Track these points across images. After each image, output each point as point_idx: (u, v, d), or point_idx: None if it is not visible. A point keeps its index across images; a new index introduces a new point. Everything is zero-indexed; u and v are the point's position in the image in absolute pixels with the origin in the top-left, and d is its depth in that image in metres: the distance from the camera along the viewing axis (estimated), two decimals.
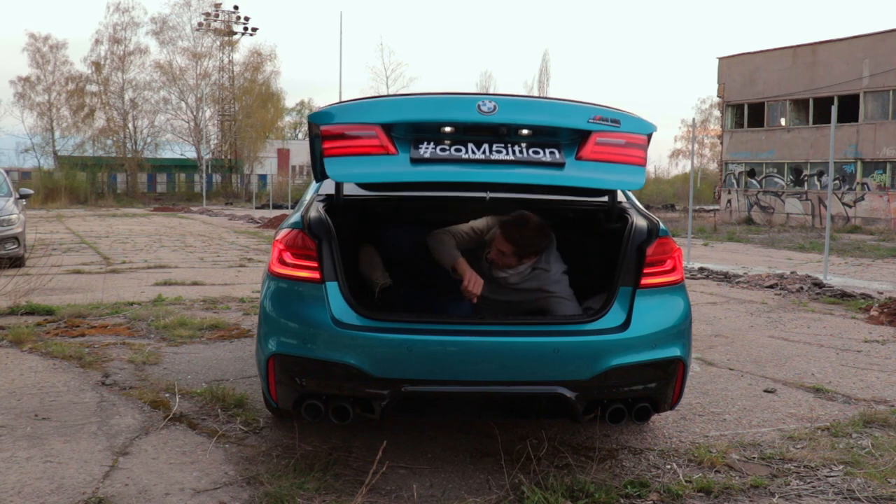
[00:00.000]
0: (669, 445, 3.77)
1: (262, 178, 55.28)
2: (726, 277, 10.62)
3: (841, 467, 3.48)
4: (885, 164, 28.04)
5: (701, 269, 11.50)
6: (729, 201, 33.40)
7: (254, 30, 58.92)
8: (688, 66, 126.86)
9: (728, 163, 33.75)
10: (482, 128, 3.05)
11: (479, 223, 3.86)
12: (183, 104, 54.87)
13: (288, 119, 77.92)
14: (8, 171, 14.84)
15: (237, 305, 7.71)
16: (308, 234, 3.25)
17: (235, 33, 55.97)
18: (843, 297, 8.79)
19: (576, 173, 3.08)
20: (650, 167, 67.77)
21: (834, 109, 11.66)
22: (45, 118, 52.68)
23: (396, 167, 2.98)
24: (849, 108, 28.06)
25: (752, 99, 32.25)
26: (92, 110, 52.77)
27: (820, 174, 29.87)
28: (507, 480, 3.19)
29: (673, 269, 3.41)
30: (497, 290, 3.75)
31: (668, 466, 3.49)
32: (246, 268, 11.53)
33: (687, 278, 9.62)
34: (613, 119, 3.09)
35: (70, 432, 3.79)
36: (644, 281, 3.31)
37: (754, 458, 3.62)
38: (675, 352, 3.28)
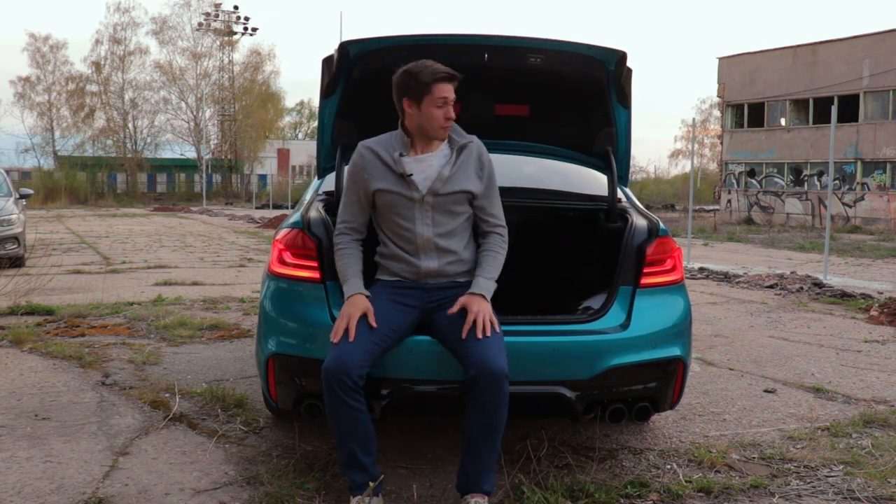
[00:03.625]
0: (669, 445, 3.77)
1: (262, 178, 55.31)
2: (726, 277, 10.62)
3: (841, 467, 3.48)
4: (885, 164, 28.05)
5: (701, 269, 11.50)
6: (729, 201, 33.41)
7: (254, 30, 59.07)
8: (688, 66, 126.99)
9: (728, 163, 33.76)
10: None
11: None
12: (183, 104, 54.98)
13: (288, 119, 78.08)
14: (8, 171, 14.84)
15: (237, 305, 7.71)
16: (308, 233, 3.24)
17: (235, 33, 56.00)
18: (843, 297, 8.79)
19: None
20: (650, 167, 67.92)
21: (834, 109, 11.67)
22: (45, 118, 52.80)
23: None
24: (849, 108, 28.09)
25: (752, 99, 32.26)
26: (92, 110, 52.84)
27: (820, 174, 29.89)
28: (507, 480, 3.19)
29: (673, 269, 3.41)
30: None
31: (668, 466, 3.48)
32: (246, 268, 11.53)
33: (687, 278, 9.62)
34: None
35: (70, 432, 3.79)
36: (644, 280, 3.31)
37: (754, 458, 3.61)
38: (675, 351, 3.28)
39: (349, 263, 3.08)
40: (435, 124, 3.04)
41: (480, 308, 2.93)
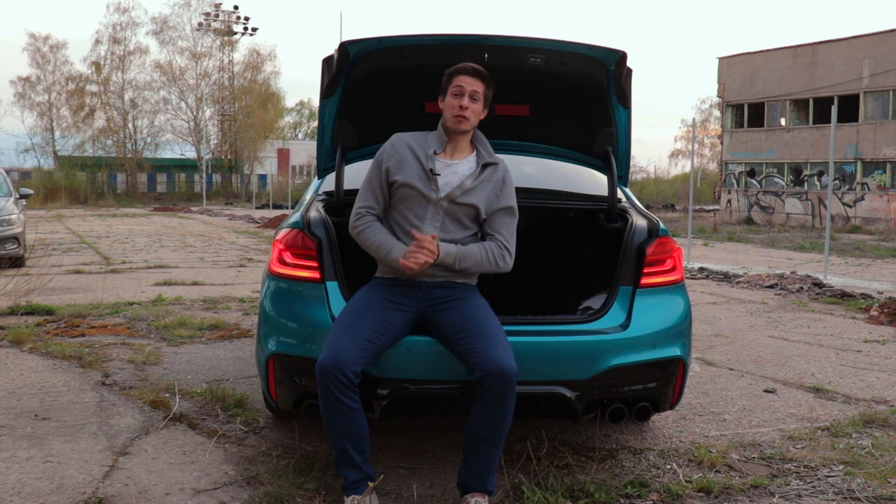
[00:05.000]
0: (669, 445, 3.77)
1: (262, 178, 55.35)
2: (726, 277, 10.62)
3: (841, 467, 3.48)
4: (885, 164, 28.05)
5: (701, 269, 11.50)
6: (729, 201, 33.40)
7: (254, 30, 59.03)
8: (688, 66, 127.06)
9: (728, 163, 33.76)
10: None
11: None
12: (183, 104, 54.99)
13: (288, 119, 78.07)
14: (8, 171, 14.84)
15: (237, 305, 7.71)
16: (308, 233, 3.25)
17: (235, 33, 56.00)
18: (843, 297, 8.79)
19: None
20: (650, 167, 67.97)
21: (834, 109, 11.66)
22: (45, 118, 52.80)
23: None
24: (849, 108, 28.09)
25: (752, 99, 32.26)
26: (92, 110, 52.84)
27: (820, 174, 29.89)
28: (507, 480, 3.19)
29: (673, 269, 3.41)
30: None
31: (668, 466, 3.49)
32: (246, 268, 11.53)
33: (687, 278, 9.63)
34: None
35: (70, 432, 3.79)
36: (644, 280, 3.31)
37: (754, 458, 3.62)
38: (675, 351, 3.28)
39: (383, 234, 3.08)
40: (448, 113, 3.12)
41: (427, 247, 2.96)
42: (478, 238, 3.20)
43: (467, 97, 3.08)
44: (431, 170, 3.09)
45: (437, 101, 3.24)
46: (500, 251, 3.11)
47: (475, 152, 3.22)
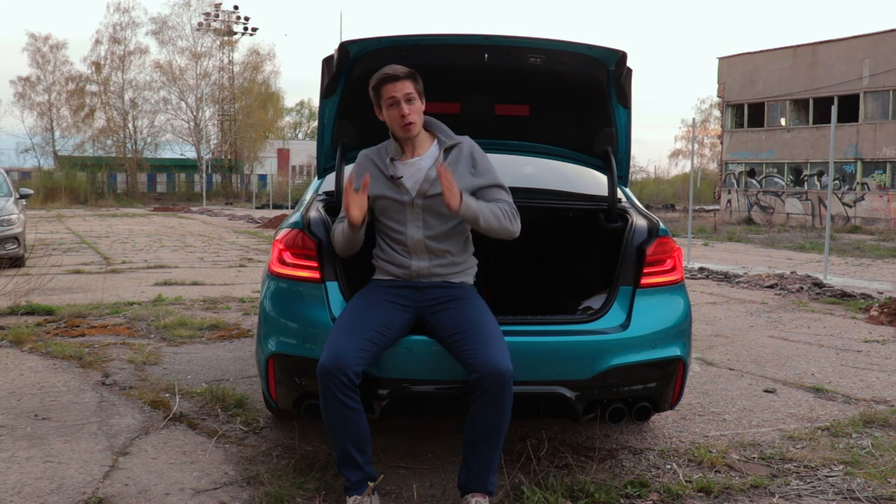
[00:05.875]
0: (669, 445, 3.77)
1: (262, 178, 55.37)
2: (726, 277, 10.62)
3: (841, 467, 3.48)
4: (885, 164, 28.05)
5: (701, 269, 11.50)
6: (729, 201, 33.40)
7: (254, 30, 59.03)
8: (688, 66, 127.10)
9: (728, 163, 33.76)
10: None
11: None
12: (183, 104, 55.01)
13: (288, 119, 78.09)
14: (8, 171, 14.84)
15: (237, 305, 7.71)
16: (308, 233, 3.25)
17: (235, 33, 56.01)
18: (843, 297, 8.79)
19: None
20: (650, 167, 68.02)
21: (834, 109, 11.66)
22: (45, 118, 52.82)
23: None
24: (849, 108, 28.09)
25: (752, 99, 32.26)
26: (92, 110, 52.85)
27: (820, 174, 29.89)
28: (507, 480, 3.19)
29: (673, 269, 3.41)
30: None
31: (668, 466, 3.49)
32: (246, 268, 11.53)
33: (687, 278, 9.62)
34: None
35: (70, 432, 3.79)
36: (644, 280, 3.31)
37: (754, 458, 3.62)
38: (675, 351, 3.28)
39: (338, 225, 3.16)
40: (393, 125, 3.10)
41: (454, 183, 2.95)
42: (465, 228, 3.19)
43: (404, 104, 3.05)
44: (392, 175, 3.09)
45: (438, 101, 3.23)
46: (510, 210, 3.12)
47: (435, 140, 3.19)
